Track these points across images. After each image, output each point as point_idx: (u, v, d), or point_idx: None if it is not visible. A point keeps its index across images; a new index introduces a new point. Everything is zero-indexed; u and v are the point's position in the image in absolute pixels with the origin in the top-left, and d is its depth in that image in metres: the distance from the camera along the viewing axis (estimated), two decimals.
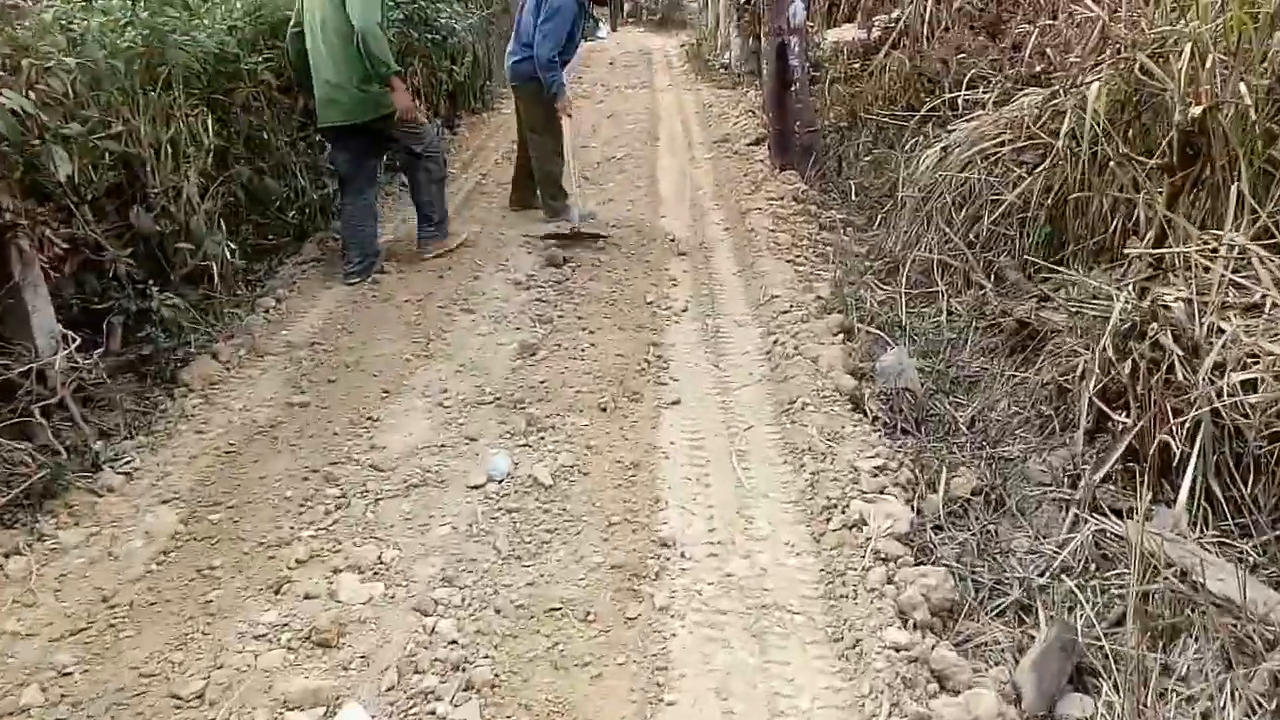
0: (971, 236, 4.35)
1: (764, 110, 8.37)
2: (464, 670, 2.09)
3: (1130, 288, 2.81)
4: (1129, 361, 2.63)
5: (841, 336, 3.84)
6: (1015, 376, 3.47)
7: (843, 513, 2.61)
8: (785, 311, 4.06)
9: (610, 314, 4.23)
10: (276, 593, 2.39)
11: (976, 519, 2.85)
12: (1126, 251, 3.27)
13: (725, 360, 3.77)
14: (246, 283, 4.74)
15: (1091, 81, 3.88)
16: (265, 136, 4.97)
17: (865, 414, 3.29)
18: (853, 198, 6.04)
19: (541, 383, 3.54)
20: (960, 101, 5.78)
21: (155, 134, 4.02)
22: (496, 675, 2.06)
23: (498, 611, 2.28)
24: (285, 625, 2.25)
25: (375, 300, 4.54)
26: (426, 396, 3.52)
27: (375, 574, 2.46)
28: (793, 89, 6.10)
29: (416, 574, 2.45)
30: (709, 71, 12.62)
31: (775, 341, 3.81)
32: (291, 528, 2.69)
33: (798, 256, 4.86)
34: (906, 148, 6.04)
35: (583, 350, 3.83)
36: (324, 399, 3.55)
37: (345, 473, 2.98)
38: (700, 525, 2.66)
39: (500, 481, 2.87)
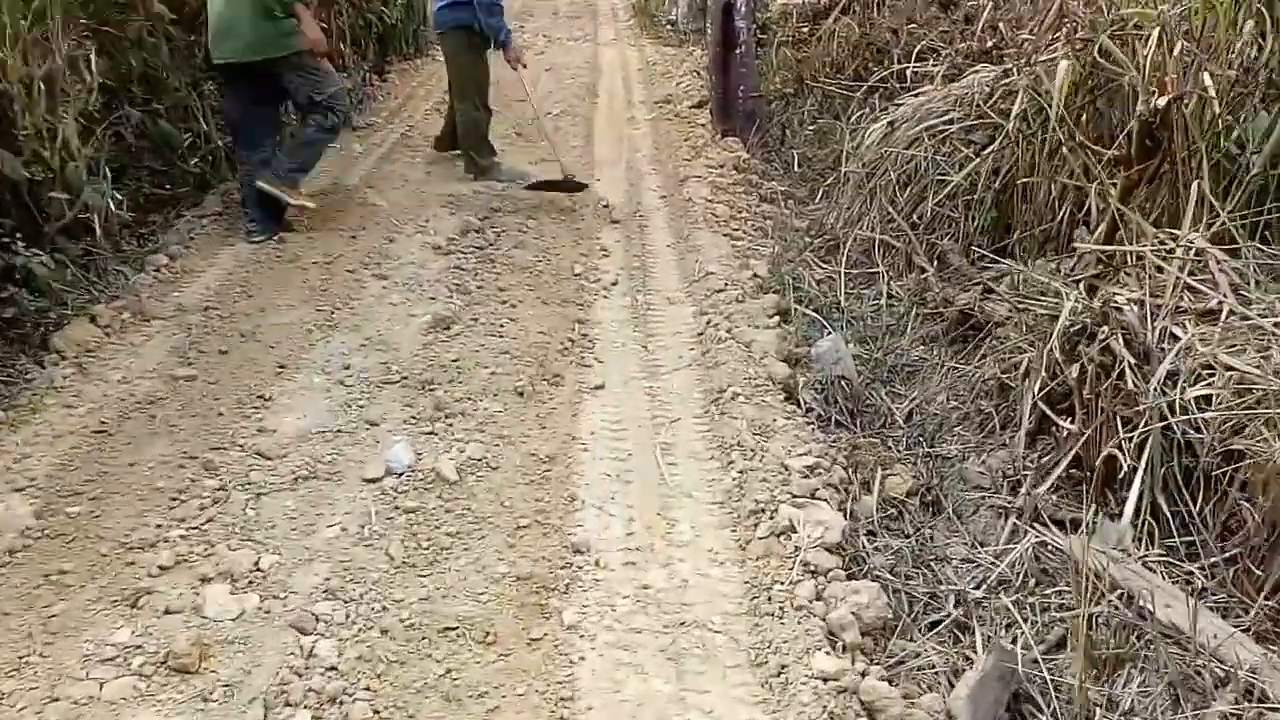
0: (915, 217, 4.18)
1: (707, 72, 8.10)
2: (341, 704, 1.84)
3: (1080, 286, 2.65)
4: (1076, 365, 2.47)
5: (777, 319, 3.64)
6: (956, 369, 3.33)
7: (771, 518, 2.41)
8: (720, 290, 3.84)
9: (534, 286, 3.96)
10: (132, 606, 2.10)
11: (912, 522, 2.70)
12: (1075, 246, 3.12)
13: (654, 341, 3.54)
14: (137, 237, 4.33)
15: (1048, 61, 3.72)
16: (163, 75, 4.52)
17: (799, 405, 3.11)
18: (795, 169, 5.83)
19: (454, 361, 3.26)
20: (909, 74, 5.60)
21: (27, 69, 3.58)
22: (378, 712, 1.82)
23: (385, 632, 2.03)
24: (138, 647, 1.97)
25: (279, 261, 4.18)
26: (326, 373, 3.21)
27: (250, 584, 2.18)
28: (738, 51, 5.84)
29: (297, 584, 2.19)
30: (655, 27, 12.23)
31: (709, 323, 3.59)
32: (159, 525, 2.39)
33: (736, 230, 4.64)
34: (852, 119, 5.85)
35: (502, 326, 3.55)
36: (212, 372, 3.22)
37: (227, 460, 2.68)
38: (618, 529, 2.44)
39: (400, 475, 2.61)
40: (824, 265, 4.37)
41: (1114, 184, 2.91)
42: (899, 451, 3.02)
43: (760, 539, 2.35)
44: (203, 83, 4.91)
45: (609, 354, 3.43)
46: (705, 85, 7.92)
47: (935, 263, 3.96)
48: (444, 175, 5.50)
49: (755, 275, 4.04)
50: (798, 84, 7.36)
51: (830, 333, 3.57)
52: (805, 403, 3.13)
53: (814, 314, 3.84)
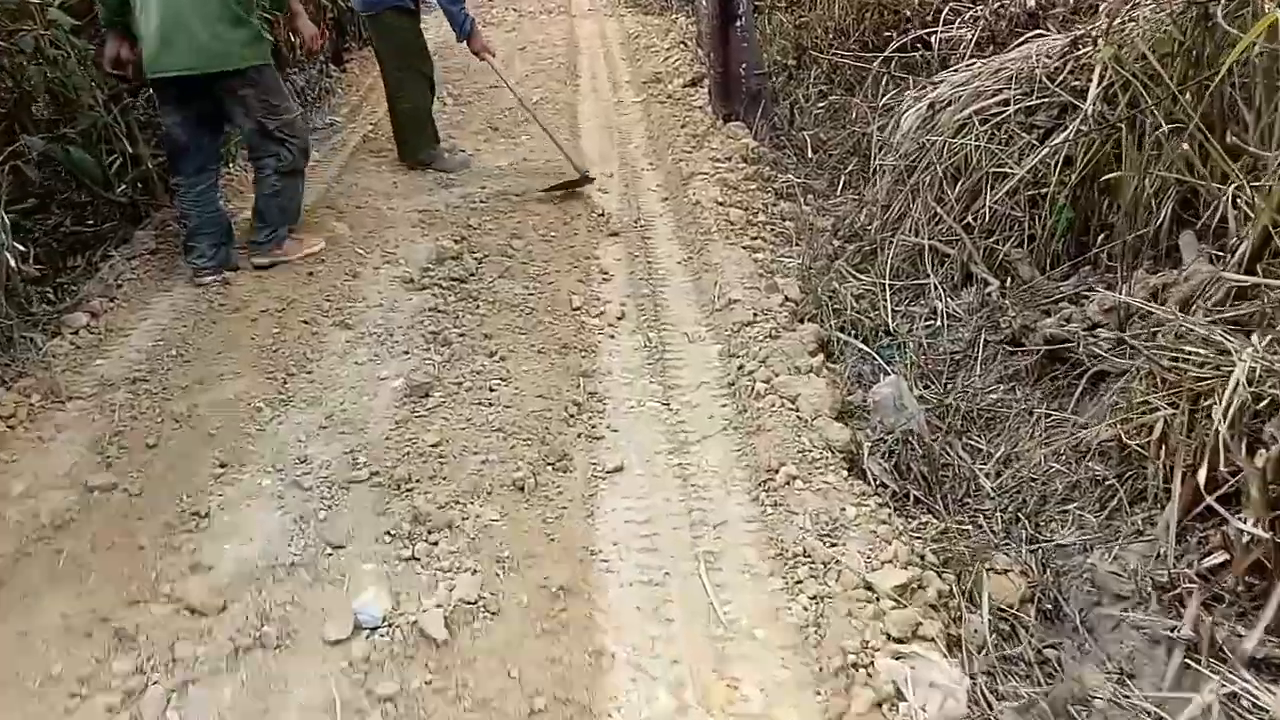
0: (970, 218, 3.55)
1: (700, 46, 7.39)
2: None
3: (1256, 337, 2.04)
4: (1259, 453, 1.88)
5: (820, 358, 3.03)
6: (1051, 417, 2.72)
7: (868, 678, 1.82)
8: (748, 323, 3.22)
9: (526, 328, 3.32)
10: None
11: (1033, 644, 2.11)
12: (1182, 255, 2.51)
13: (677, 396, 2.92)
14: (53, 289, 3.67)
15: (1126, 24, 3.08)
16: (71, 93, 3.82)
17: (866, 479, 2.51)
18: (809, 155, 5.18)
19: (435, 446, 2.64)
20: (935, 41, 4.95)
21: None
22: None
23: None
24: None
25: (222, 311, 3.53)
26: (278, 470, 2.59)
27: None
28: (738, 23, 5.15)
29: None
30: None
31: (739, 368, 2.97)
32: None
33: (755, 238, 4.00)
34: (870, 95, 5.20)
35: (491, 390, 2.93)
36: (137, 477, 2.59)
37: (147, 623, 2.06)
38: (664, 701, 1.84)
39: (373, 632, 2.00)
40: (861, 276, 3.75)
41: (1260, 185, 2.29)
42: (995, 534, 2.43)
43: (859, 716, 1.76)
44: (124, 96, 4.22)
45: (624, 419, 2.81)
46: (697, 60, 7.24)
47: (1001, 274, 3.34)
48: (412, 185, 4.83)
49: (786, 299, 3.42)
50: (799, 54, 6.68)
51: (887, 371, 2.96)
52: (874, 476, 2.53)
53: (862, 346, 3.23)
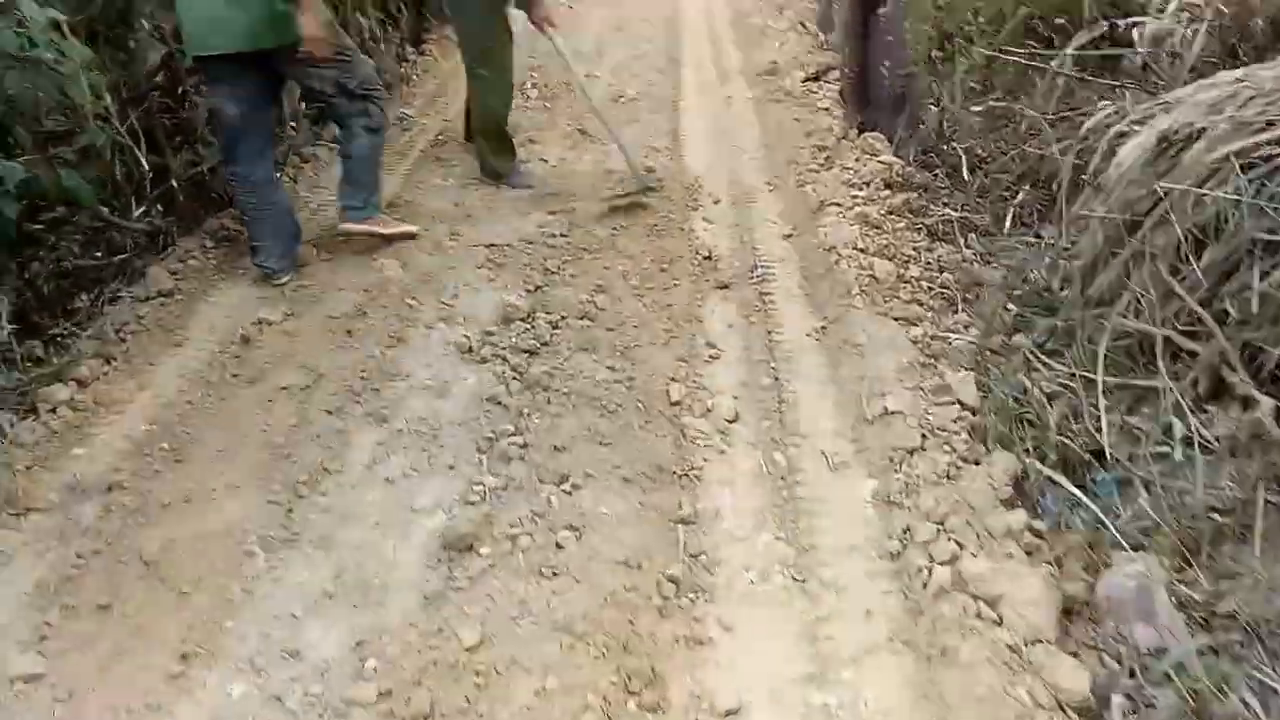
0: (1224, 302, 2.57)
1: (822, 29, 6.40)
2: None
3: None
4: None
5: (1021, 513, 2.14)
6: None
7: None
8: (912, 450, 2.34)
9: (609, 436, 2.51)
10: None
11: None
12: None
13: (816, 566, 2.07)
14: (46, 343, 3.03)
15: None
16: (62, 99, 3.13)
17: None
18: (965, 176, 4.19)
19: (472, 653, 1.86)
20: (1142, 36, 3.91)
21: None
22: None
23: None
24: None
25: (237, 383, 2.84)
26: (255, 670, 1.85)
27: None
28: (882, 10, 4.18)
29: None
30: None
31: (905, 530, 2.11)
32: None
33: (910, 300, 3.09)
34: (1044, 102, 4.19)
35: (558, 547, 2.13)
36: (76, 659, 1.91)
37: None
38: None
39: None
40: (1054, 363, 2.80)
41: None
42: None
43: None
44: (146, 99, 3.55)
45: (741, 607, 1.98)
46: (818, 46, 6.26)
47: (1275, 389, 2.36)
48: (483, 206, 4.05)
49: (961, 408, 2.52)
50: (944, 42, 5.64)
51: (1131, 561, 2.05)
52: None
53: (1071, 488, 2.32)
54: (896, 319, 2.97)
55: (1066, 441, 2.50)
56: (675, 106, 5.42)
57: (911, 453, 2.34)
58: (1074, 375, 2.73)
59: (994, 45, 5.27)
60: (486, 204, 4.07)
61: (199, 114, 3.89)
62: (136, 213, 3.52)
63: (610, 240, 3.65)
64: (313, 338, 3.05)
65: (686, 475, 2.36)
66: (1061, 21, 5.10)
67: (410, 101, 5.78)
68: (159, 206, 3.61)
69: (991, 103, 4.61)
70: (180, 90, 3.88)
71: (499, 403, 2.65)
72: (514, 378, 2.76)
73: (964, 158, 4.25)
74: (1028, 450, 2.45)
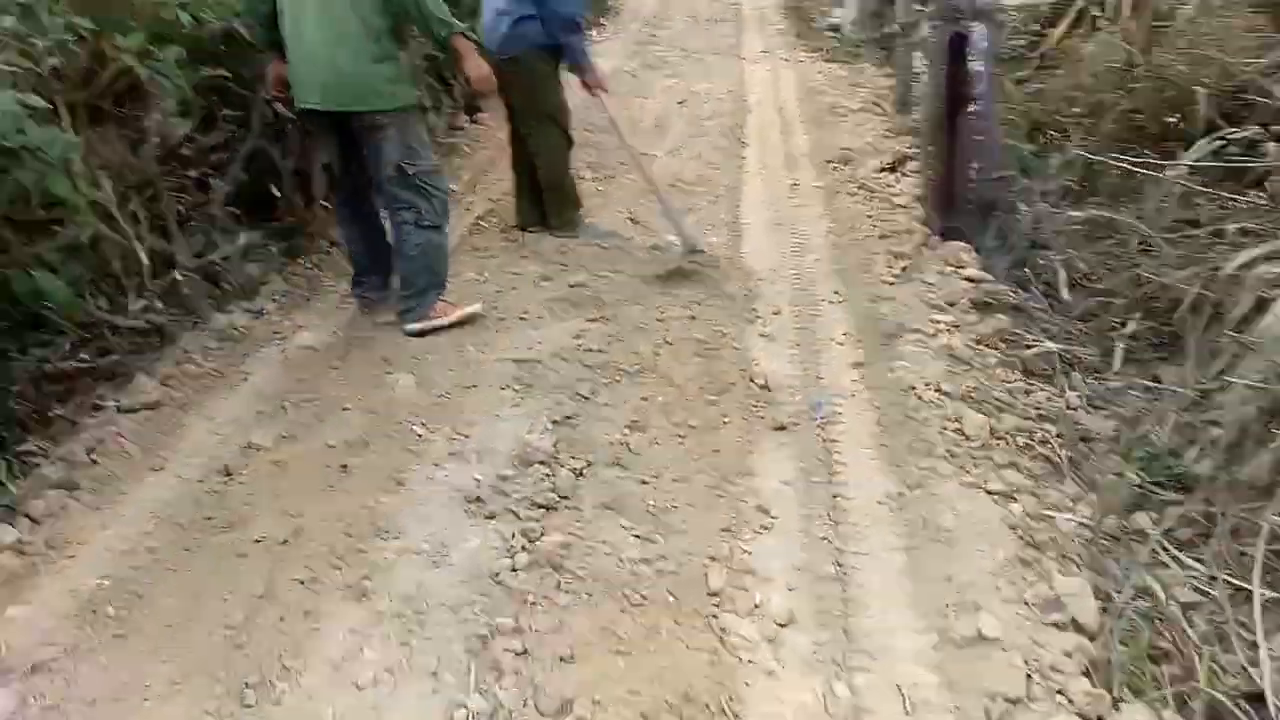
0: None
1: (907, 121, 5.96)
2: None
3: None
4: None
5: None
6: None
7: None
8: (1015, 701, 1.82)
9: (630, 642, 2.02)
10: None
11: None
12: None
13: None
14: (11, 464, 2.67)
15: None
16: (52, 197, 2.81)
17: None
18: (1063, 295, 3.67)
19: None
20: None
21: None
22: None
23: None
24: None
25: (209, 530, 2.44)
26: None
27: None
28: (972, 109, 3.72)
29: None
30: (813, 35, 10.11)
31: None
32: None
33: (1005, 464, 2.58)
34: (1157, 213, 3.69)
35: None
36: None
37: None
38: None
39: None
40: (1189, 560, 2.27)
41: None
42: None
43: None
44: (150, 186, 3.25)
45: None
46: (897, 132, 5.82)
47: None
48: (515, 308, 3.65)
49: (1076, 629, 2.00)
50: (1035, 135, 5.16)
51: None
52: None
53: None
54: (990, 492, 2.46)
55: (1216, 673, 1.96)
56: (736, 194, 5.02)
57: (1014, 703, 1.82)
58: (1214, 579, 2.20)
59: (1092, 142, 4.79)
60: (522, 305, 3.67)
61: (219, 193, 3.60)
62: (135, 306, 3.20)
63: (653, 358, 3.21)
64: (303, 473, 2.65)
65: (724, 711, 1.87)
66: (1174, 120, 4.61)
67: (458, 174, 5.47)
68: (159, 301, 3.28)
69: (1093, 211, 4.11)
70: (202, 171, 3.61)
71: (501, 582, 2.19)
72: (523, 547, 2.30)
73: (1062, 273, 3.74)
74: (1165, 700, 1.91)
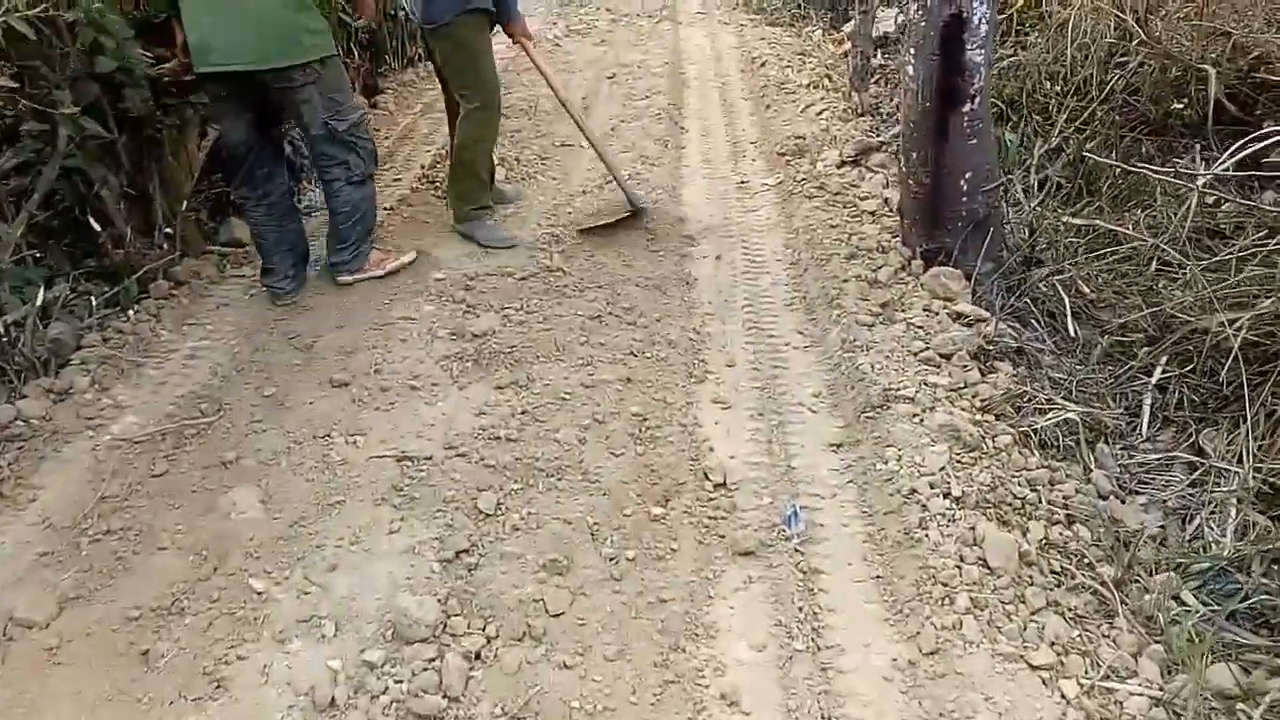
0: None
1: (863, 99, 5.25)
2: None
3: None
4: None
5: None
6: None
7: None
8: None
9: None
10: None
11: None
12: None
13: None
14: None
15: None
16: None
17: None
18: (1070, 329, 3.03)
19: None
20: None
21: None
22: None
23: None
24: None
25: (122, 571, 1.69)
26: None
27: None
28: (966, 110, 3.03)
29: None
30: None
31: None
32: None
33: (1045, 606, 1.94)
34: (1165, 211, 3.10)
35: None
36: None
37: None
38: None
39: None
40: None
41: None
42: None
43: None
44: None
45: None
46: (856, 112, 5.13)
47: None
48: (407, 362, 2.89)
49: None
50: (1004, 116, 4.50)
51: None
52: None
53: None
54: (1035, 667, 1.81)
55: None
56: (676, 196, 4.27)
57: None
58: None
59: (1080, 129, 4.16)
60: (413, 364, 2.91)
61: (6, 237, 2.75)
62: None
63: (578, 448, 2.49)
64: (84, 666, 1.88)
65: None
66: (1181, 107, 3.99)
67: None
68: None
69: (1094, 219, 3.48)
70: None
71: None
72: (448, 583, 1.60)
73: (1066, 301, 3.10)
74: None
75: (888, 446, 2.40)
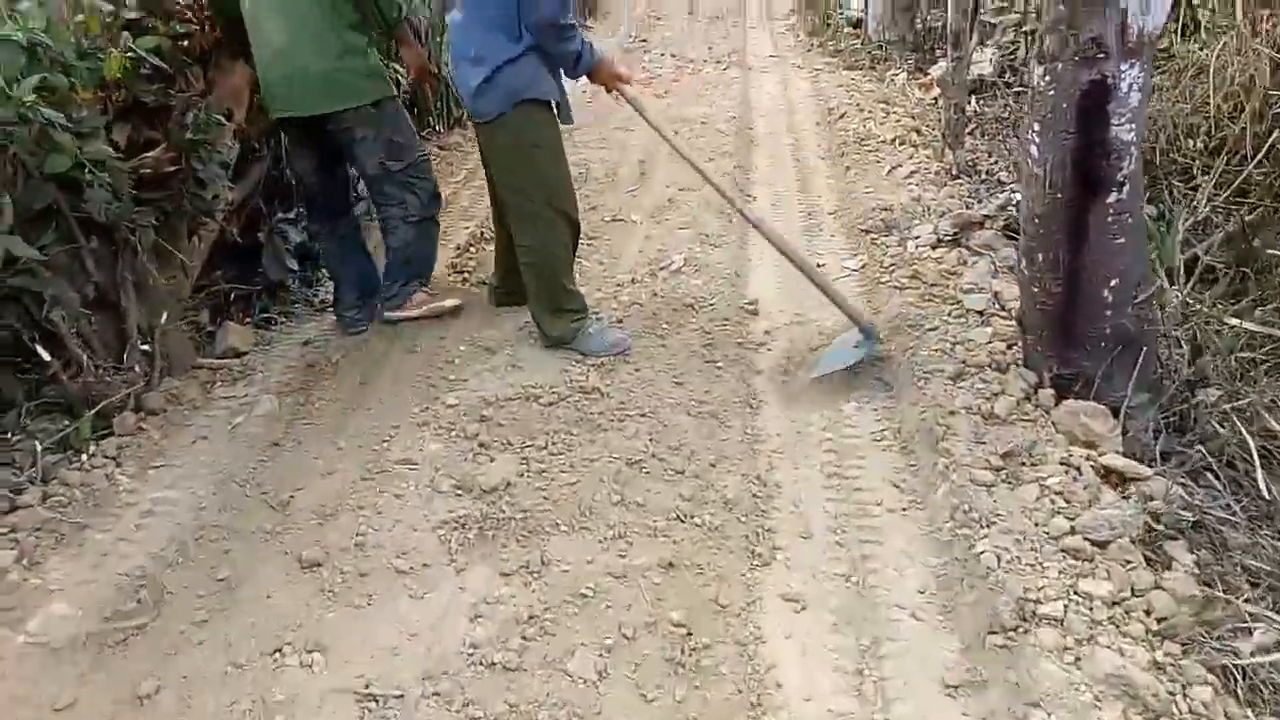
0: None
1: (957, 158, 4.55)
2: None
3: None
4: None
5: None
6: None
7: None
8: None
9: None
10: None
11: None
12: None
13: None
14: None
15: None
16: None
17: None
18: (1264, 490, 2.27)
19: None
20: None
21: None
22: None
23: None
24: None
25: None
26: None
27: None
28: (1111, 200, 2.32)
29: None
30: (827, 31, 8.67)
31: None
32: None
33: None
34: None
35: None
36: None
37: None
38: None
39: None
40: None
41: None
42: None
43: None
44: None
45: None
46: (951, 174, 4.44)
47: None
48: (387, 542, 2.31)
49: None
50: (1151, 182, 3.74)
51: None
52: None
53: None
54: None
55: None
56: (740, 284, 3.64)
57: None
58: None
59: (1232, 198, 3.40)
60: (403, 533, 2.33)
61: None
62: None
63: (595, 690, 1.85)
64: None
65: None
66: None
67: None
68: None
69: (1271, 321, 2.70)
70: None
71: None
72: None
73: (1254, 451, 2.34)
74: None
75: (1029, 704, 1.70)
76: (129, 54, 2.76)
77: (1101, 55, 2.18)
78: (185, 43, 3.17)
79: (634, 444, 2.63)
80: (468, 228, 4.51)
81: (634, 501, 2.40)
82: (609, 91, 3.14)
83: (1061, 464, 2.29)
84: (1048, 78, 2.31)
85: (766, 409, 2.84)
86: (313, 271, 3.96)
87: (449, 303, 3.48)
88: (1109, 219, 2.33)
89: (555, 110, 3.05)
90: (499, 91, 2.90)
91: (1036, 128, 2.38)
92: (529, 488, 2.47)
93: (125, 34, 2.80)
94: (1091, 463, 2.29)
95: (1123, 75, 2.21)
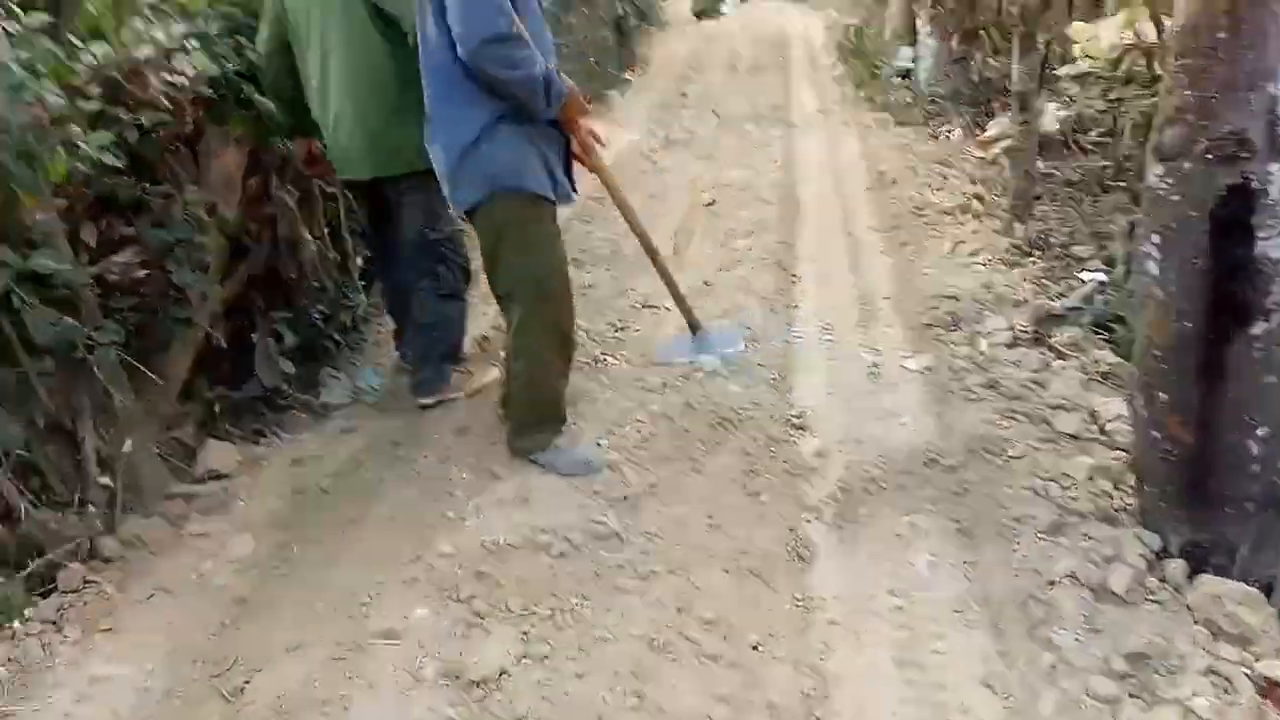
0: None
1: (1028, 231, 4.07)
2: None
3: None
4: None
5: None
6: None
7: None
8: None
9: None
10: None
11: None
12: None
13: None
14: None
15: None
16: None
17: None
18: None
19: None
20: None
21: None
22: None
23: None
24: None
25: None
26: None
27: None
28: (1258, 332, 1.84)
29: None
30: (877, 85, 8.24)
31: None
32: None
33: None
34: None
35: None
36: None
37: None
38: None
39: None
40: None
41: None
42: None
43: None
44: None
45: None
46: (1021, 251, 3.96)
47: None
48: (396, 711, 1.87)
49: None
50: None
51: None
52: None
53: None
54: None
55: None
56: (784, 391, 3.18)
57: None
58: None
59: None
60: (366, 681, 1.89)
61: None
62: None
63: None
64: None
65: None
66: None
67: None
68: None
69: None
70: None
71: None
72: None
73: None
74: None
75: None
76: (77, 151, 2.43)
77: (1245, 155, 1.71)
78: (159, 132, 2.85)
79: (658, 617, 2.17)
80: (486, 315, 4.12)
81: (656, 706, 1.93)
82: (568, 131, 2.68)
83: (1208, 673, 1.78)
84: (1170, 179, 1.84)
85: (820, 562, 2.37)
86: (313, 372, 3.59)
87: (488, 378, 3.31)
88: (1255, 354, 1.84)
89: (549, 193, 2.64)
90: (472, 175, 2.54)
91: (1156, 240, 1.90)
92: (527, 681, 2.02)
93: (75, 129, 2.47)
94: (1244, 668, 1.78)
95: (1271, 178, 1.74)
